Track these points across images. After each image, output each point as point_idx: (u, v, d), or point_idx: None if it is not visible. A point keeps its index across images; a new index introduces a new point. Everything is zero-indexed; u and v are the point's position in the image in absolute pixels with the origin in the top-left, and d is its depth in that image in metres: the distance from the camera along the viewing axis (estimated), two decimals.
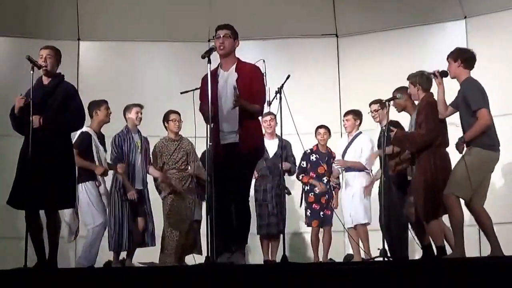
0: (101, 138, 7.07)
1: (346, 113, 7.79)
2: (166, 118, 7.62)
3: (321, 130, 7.96)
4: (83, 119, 6.02)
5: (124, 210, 7.10)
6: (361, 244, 7.45)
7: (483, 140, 5.66)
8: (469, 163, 5.60)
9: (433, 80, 6.02)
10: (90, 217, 6.78)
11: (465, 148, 5.70)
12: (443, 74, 5.95)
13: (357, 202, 7.47)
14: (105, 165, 6.97)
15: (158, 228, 7.42)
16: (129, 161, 7.20)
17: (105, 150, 7.07)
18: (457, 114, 5.94)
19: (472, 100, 5.68)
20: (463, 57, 5.84)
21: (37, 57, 5.83)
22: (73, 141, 6.42)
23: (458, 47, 6.01)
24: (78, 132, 6.68)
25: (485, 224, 5.74)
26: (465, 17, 8.84)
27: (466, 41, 8.63)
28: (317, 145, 8.00)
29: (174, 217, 7.39)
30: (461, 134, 5.82)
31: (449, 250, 6.04)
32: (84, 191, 6.78)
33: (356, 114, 7.69)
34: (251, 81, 5.53)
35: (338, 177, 7.85)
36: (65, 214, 6.76)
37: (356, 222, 7.48)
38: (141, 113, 7.35)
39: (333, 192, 7.90)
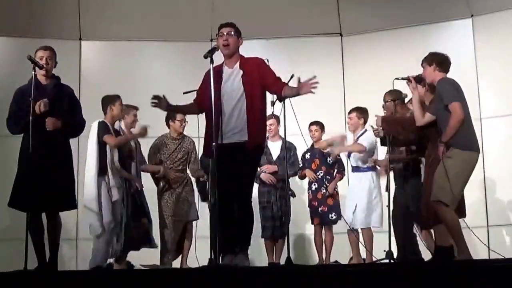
0: (117, 132, 7.00)
1: (350, 111, 7.65)
2: (172, 117, 7.48)
3: (313, 127, 7.87)
4: (85, 122, 6.10)
5: (121, 215, 6.91)
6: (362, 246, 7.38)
7: (462, 141, 5.55)
8: (450, 166, 5.48)
9: (407, 85, 5.98)
10: (94, 216, 6.67)
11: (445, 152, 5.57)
12: (418, 79, 5.91)
13: (364, 205, 7.33)
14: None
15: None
16: (126, 164, 7.11)
17: None
18: None
19: (445, 94, 5.59)
20: (438, 60, 5.78)
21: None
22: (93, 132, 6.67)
23: (431, 52, 5.93)
24: (95, 123, 6.69)
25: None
26: (472, 16, 8.79)
27: (473, 40, 8.59)
28: (313, 143, 7.93)
29: (171, 218, 7.32)
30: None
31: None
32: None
33: (361, 112, 7.54)
34: (261, 74, 5.47)
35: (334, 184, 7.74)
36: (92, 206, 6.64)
37: (362, 226, 7.37)
38: (137, 116, 7.28)
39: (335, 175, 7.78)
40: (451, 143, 5.53)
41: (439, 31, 8.91)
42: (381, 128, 6.46)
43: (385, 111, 6.82)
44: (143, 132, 7.05)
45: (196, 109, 5.82)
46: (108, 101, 6.96)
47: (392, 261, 6.29)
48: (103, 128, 6.78)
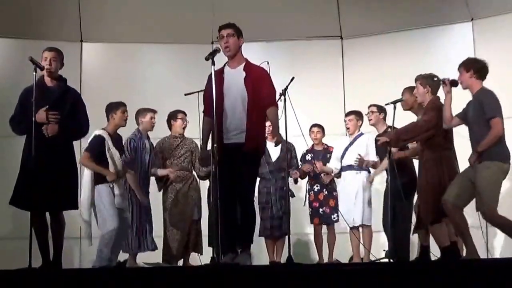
0: (118, 140, 6.95)
1: (348, 114, 7.81)
2: (173, 117, 7.51)
3: (314, 129, 7.99)
4: (88, 126, 6.05)
5: (142, 211, 7.06)
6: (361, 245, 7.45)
7: (502, 152, 5.61)
8: (495, 178, 5.55)
9: (441, 87, 5.95)
10: (101, 221, 6.73)
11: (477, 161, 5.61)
12: (453, 83, 5.86)
13: (363, 202, 7.44)
14: (119, 167, 6.84)
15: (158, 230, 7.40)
16: (142, 166, 7.16)
17: (121, 154, 6.95)
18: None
19: (489, 107, 5.60)
20: (476, 68, 5.74)
21: (39, 58, 5.81)
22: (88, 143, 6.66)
23: (470, 57, 5.93)
24: (94, 133, 6.68)
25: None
26: (472, 19, 8.82)
27: (473, 43, 8.62)
28: (313, 144, 8.03)
29: (176, 217, 7.35)
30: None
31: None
32: (98, 194, 6.72)
33: (358, 115, 7.71)
34: (260, 84, 5.49)
35: (330, 176, 7.82)
36: (83, 215, 6.70)
37: (362, 223, 7.44)
38: (154, 118, 7.27)
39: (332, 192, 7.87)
40: (488, 155, 5.56)
41: (439, 35, 8.95)
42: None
43: (403, 107, 6.81)
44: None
45: (211, 121, 5.51)
46: (111, 108, 6.93)
47: (392, 260, 6.34)
48: (92, 144, 6.76)
